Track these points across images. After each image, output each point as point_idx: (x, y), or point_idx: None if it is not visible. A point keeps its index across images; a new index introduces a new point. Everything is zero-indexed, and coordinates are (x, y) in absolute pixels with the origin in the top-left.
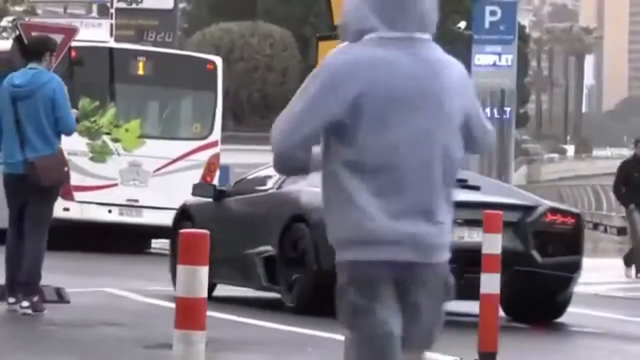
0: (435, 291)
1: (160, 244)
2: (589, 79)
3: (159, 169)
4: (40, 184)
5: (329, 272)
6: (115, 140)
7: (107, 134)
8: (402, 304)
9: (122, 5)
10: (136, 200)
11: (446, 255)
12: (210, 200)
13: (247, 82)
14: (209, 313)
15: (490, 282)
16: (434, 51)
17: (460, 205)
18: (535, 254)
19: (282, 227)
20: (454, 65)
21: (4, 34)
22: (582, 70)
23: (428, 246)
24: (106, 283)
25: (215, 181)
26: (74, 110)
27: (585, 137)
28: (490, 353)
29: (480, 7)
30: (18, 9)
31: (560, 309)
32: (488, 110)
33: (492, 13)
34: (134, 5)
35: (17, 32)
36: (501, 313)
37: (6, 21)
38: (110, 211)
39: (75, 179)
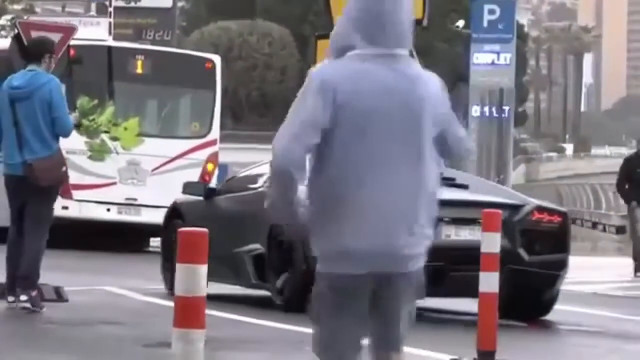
0: (409, 297)
1: (159, 243)
2: (587, 78)
3: (157, 168)
4: (39, 184)
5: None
6: (114, 139)
7: (106, 132)
8: (376, 309)
9: (121, 4)
10: (135, 199)
11: (422, 263)
12: (201, 198)
13: (246, 81)
14: (208, 312)
15: (489, 281)
16: (413, 66)
17: (448, 203)
18: (522, 252)
19: (271, 226)
20: (431, 79)
21: (3, 33)
22: (581, 69)
23: (406, 257)
24: (105, 282)
25: (214, 180)
26: (74, 115)
27: (584, 136)
28: (489, 352)
29: (479, 6)
30: (17, 7)
31: (547, 306)
32: (487, 109)
33: (491, 12)
34: (132, 4)
35: (16, 31)
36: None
37: (5, 20)
38: (109, 210)
39: (74, 177)
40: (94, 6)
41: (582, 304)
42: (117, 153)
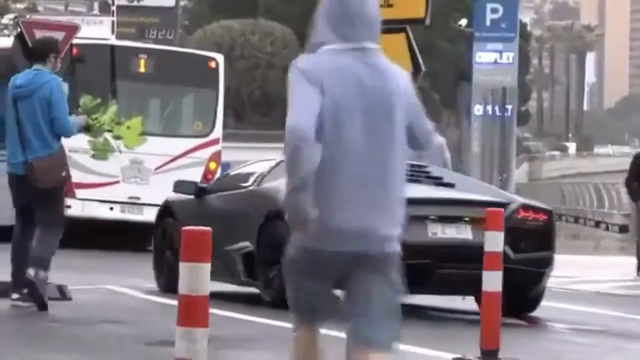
0: (387, 280)
1: None
2: (590, 77)
3: (160, 167)
4: (37, 185)
5: None
6: (117, 137)
7: (109, 131)
8: (354, 294)
9: (124, 2)
10: (138, 198)
11: (397, 246)
12: (192, 197)
13: (248, 79)
14: (212, 310)
15: (492, 280)
16: (382, 59)
17: (434, 202)
18: (507, 249)
19: (260, 224)
20: (399, 72)
21: (5, 31)
22: (583, 67)
23: (380, 237)
24: (108, 280)
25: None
26: (81, 117)
27: (586, 135)
28: (492, 350)
29: (482, 5)
30: (19, 6)
31: (533, 304)
32: (489, 107)
33: (494, 10)
34: (135, 3)
35: (19, 30)
36: (475, 307)
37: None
38: (111, 208)
39: (76, 176)
40: (96, 5)
41: (585, 302)
42: (120, 151)
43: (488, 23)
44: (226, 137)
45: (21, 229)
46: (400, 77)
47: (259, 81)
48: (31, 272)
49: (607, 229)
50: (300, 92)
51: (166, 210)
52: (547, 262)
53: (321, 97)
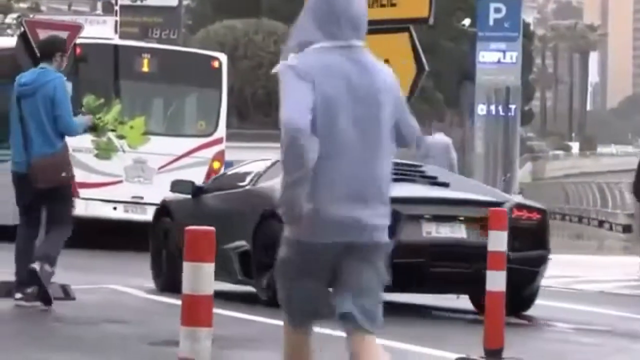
0: (376, 268)
1: None
2: (593, 76)
3: (163, 166)
4: (37, 185)
5: None
6: (120, 137)
7: (112, 130)
8: (344, 282)
9: (127, 2)
10: (141, 197)
11: (385, 236)
12: (189, 196)
13: (251, 79)
14: (215, 310)
15: (496, 280)
16: (368, 56)
17: (428, 201)
18: None
19: (256, 223)
20: (385, 68)
21: (9, 31)
22: (587, 67)
23: (370, 227)
24: (111, 280)
25: None
26: (87, 116)
27: (589, 135)
28: (496, 350)
29: (485, 4)
30: (22, 5)
31: (527, 302)
32: (493, 107)
33: (497, 10)
34: (138, 2)
35: (22, 29)
36: (470, 307)
37: (10, 18)
38: (115, 208)
39: (80, 175)
40: (99, 4)
41: (589, 302)
42: (123, 151)
43: (491, 23)
44: (229, 137)
45: (25, 228)
46: (387, 74)
47: (263, 81)
48: (36, 265)
49: (610, 228)
50: (293, 89)
51: (163, 209)
52: (542, 261)
53: (313, 94)
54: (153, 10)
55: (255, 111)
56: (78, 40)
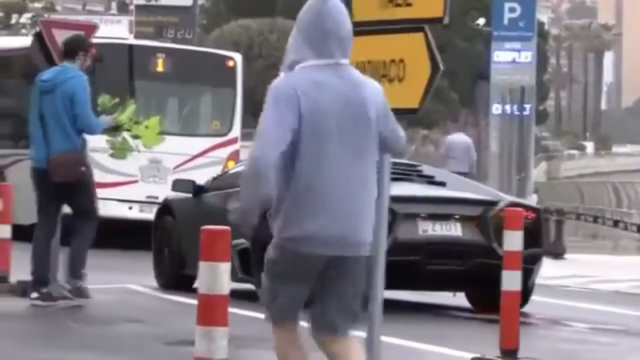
0: (359, 280)
1: None
2: (607, 76)
3: (179, 166)
4: (54, 179)
5: None
6: (135, 137)
7: (128, 130)
8: (326, 291)
9: (142, 2)
10: (156, 197)
11: (367, 251)
12: (190, 195)
13: (265, 79)
14: (231, 309)
15: (512, 279)
16: (355, 73)
17: (425, 200)
18: (496, 246)
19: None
20: (372, 83)
21: (23, 31)
22: (601, 67)
23: (359, 243)
24: (127, 279)
25: None
26: (110, 117)
27: (604, 134)
28: (511, 350)
29: (500, 4)
30: (37, 5)
31: (523, 299)
32: (508, 107)
33: (512, 10)
34: (153, 2)
35: (37, 29)
36: (466, 304)
37: (25, 18)
38: (130, 208)
39: (95, 175)
40: (114, 4)
41: (604, 302)
42: (139, 151)
43: (506, 22)
44: (244, 136)
45: (42, 227)
46: (374, 88)
47: None
48: (76, 283)
49: (625, 228)
50: (272, 120)
51: (165, 208)
52: (536, 259)
53: (295, 120)
54: (168, 10)
55: None
56: (93, 40)
